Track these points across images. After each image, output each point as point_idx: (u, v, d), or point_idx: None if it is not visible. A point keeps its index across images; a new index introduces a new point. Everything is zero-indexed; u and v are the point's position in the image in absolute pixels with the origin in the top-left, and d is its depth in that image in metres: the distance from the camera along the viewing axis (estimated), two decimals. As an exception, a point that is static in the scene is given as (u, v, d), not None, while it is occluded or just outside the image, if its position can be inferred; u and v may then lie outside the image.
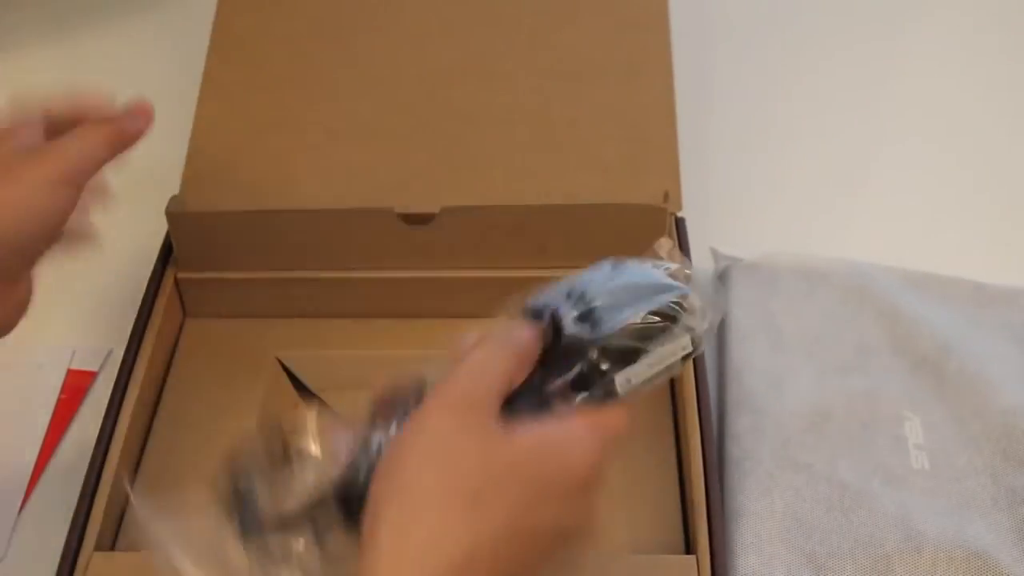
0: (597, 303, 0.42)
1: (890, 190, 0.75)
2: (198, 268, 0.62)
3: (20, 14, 0.88)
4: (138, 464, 0.57)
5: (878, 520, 0.53)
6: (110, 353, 0.65)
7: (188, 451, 0.57)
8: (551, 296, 0.44)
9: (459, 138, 0.64)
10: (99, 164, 0.52)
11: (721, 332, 0.63)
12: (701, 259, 0.64)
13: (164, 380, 0.61)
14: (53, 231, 0.51)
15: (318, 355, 0.62)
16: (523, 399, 0.42)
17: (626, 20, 0.68)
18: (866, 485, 0.55)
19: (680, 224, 0.63)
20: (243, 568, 0.40)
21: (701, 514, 0.51)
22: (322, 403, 0.61)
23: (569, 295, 0.43)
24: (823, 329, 0.62)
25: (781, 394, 0.59)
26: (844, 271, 0.65)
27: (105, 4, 0.88)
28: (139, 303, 0.61)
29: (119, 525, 0.54)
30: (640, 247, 0.61)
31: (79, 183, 0.51)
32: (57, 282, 0.56)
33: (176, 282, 0.62)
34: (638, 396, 0.43)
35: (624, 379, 0.42)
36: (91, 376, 0.64)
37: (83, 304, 0.69)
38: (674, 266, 0.45)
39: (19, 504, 0.59)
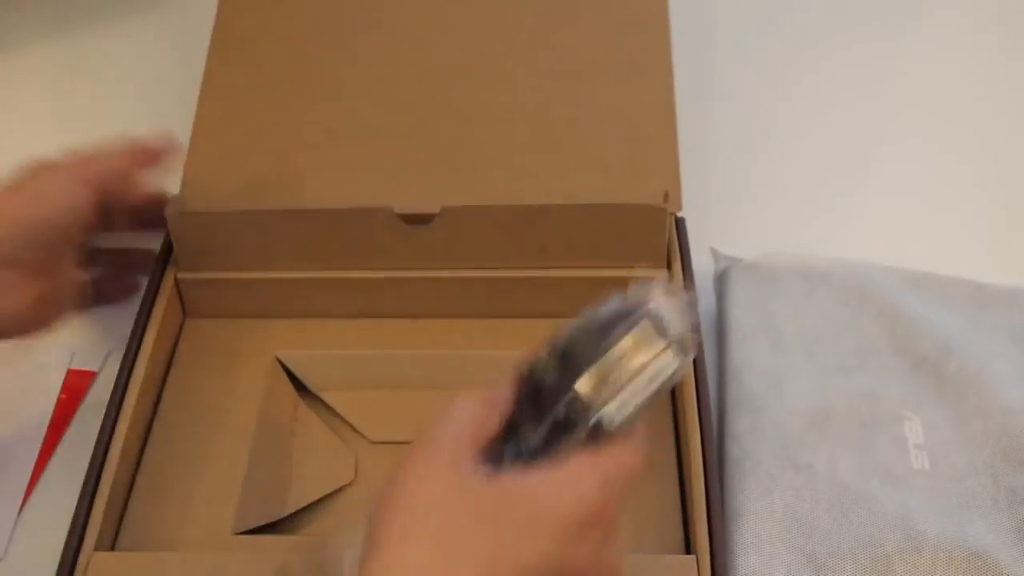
0: (564, 344, 0.42)
1: (890, 190, 0.75)
2: (198, 268, 0.62)
3: (20, 14, 0.88)
4: (138, 464, 0.57)
5: (878, 520, 0.53)
6: (110, 353, 0.65)
7: (188, 451, 0.57)
8: (535, 354, 0.44)
9: (459, 138, 0.64)
10: (118, 175, 0.58)
11: (721, 332, 0.63)
12: (701, 259, 0.64)
13: (164, 380, 0.61)
14: (65, 225, 0.54)
15: (318, 355, 0.62)
16: (511, 450, 0.42)
17: (626, 20, 0.68)
18: (866, 485, 0.55)
19: (680, 224, 0.63)
20: None
21: (701, 514, 0.51)
22: (324, 403, 0.61)
23: (549, 347, 0.43)
24: (823, 329, 0.62)
25: (781, 394, 0.59)
26: (844, 271, 0.65)
27: (105, 4, 0.88)
28: (139, 303, 0.61)
29: (119, 525, 0.54)
30: (640, 247, 0.61)
31: (95, 187, 0.56)
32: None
33: (176, 282, 0.62)
34: (637, 425, 0.42)
35: (611, 410, 0.41)
36: (91, 376, 0.64)
37: (83, 304, 0.69)
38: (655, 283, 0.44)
39: (19, 504, 0.59)
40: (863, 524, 0.53)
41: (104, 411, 0.56)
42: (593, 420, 0.41)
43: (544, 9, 0.69)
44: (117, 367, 0.58)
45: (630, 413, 0.42)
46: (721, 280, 0.66)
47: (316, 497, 0.57)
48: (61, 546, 0.51)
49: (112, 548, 0.53)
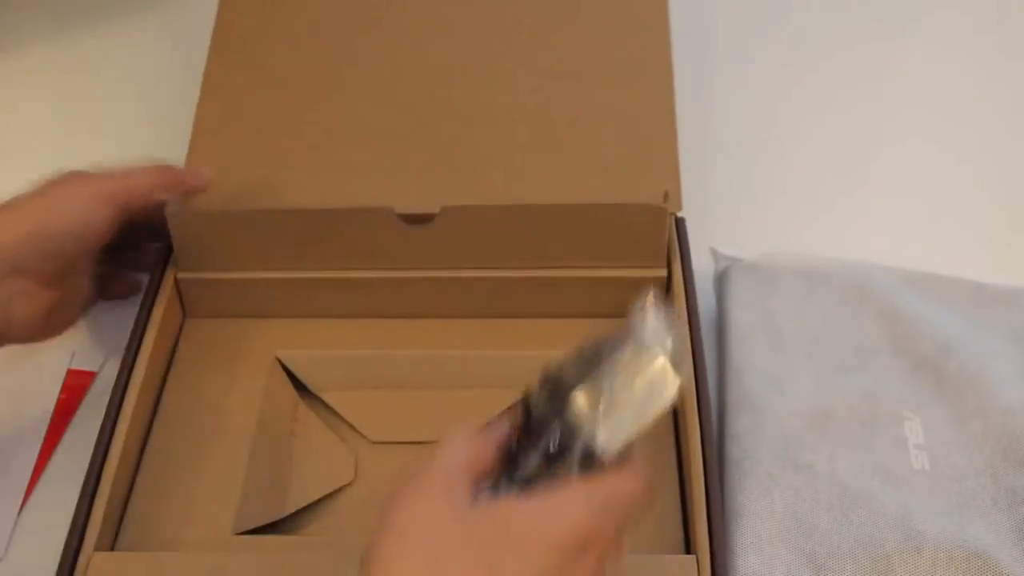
0: (555, 373, 0.42)
1: (890, 190, 0.75)
2: (198, 268, 0.62)
3: (20, 14, 0.88)
4: (138, 464, 0.57)
5: (878, 520, 0.53)
6: (110, 353, 0.65)
7: (188, 451, 0.57)
8: (530, 385, 0.43)
9: (459, 138, 0.64)
10: (144, 197, 0.59)
11: (721, 332, 0.63)
12: (701, 259, 0.64)
13: (164, 380, 0.61)
14: (83, 239, 0.55)
15: (318, 355, 0.62)
16: (506, 480, 0.42)
17: (626, 20, 0.68)
18: (866, 485, 0.55)
19: (680, 224, 0.63)
20: None
21: (701, 514, 0.51)
22: (322, 403, 0.61)
23: (542, 377, 0.43)
24: (823, 329, 0.62)
25: (781, 394, 0.59)
26: (844, 271, 0.65)
27: (105, 4, 0.88)
28: (139, 303, 0.61)
29: (119, 525, 0.54)
30: (640, 247, 0.61)
31: (117, 205, 0.57)
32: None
33: (176, 282, 0.62)
34: (635, 451, 0.42)
35: (601, 436, 0.41)
36: (91, 376, 0.64)
37: (83, 304, 0.69)
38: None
39: (19, 504, 0.59)
40: (863, 524, 0.53)
41: (104, 411, 0.56)
42: (583, 446, 0.41)
43: (544, 9, 0.69)
44: (117, 367, 0.58)
45: (623, 438, 0.41)
46: (721, 280, 0.66)
47: (316, 497, 0.57)
48: (61, 546, 0.51)
49: (112, 548, 0.53)
